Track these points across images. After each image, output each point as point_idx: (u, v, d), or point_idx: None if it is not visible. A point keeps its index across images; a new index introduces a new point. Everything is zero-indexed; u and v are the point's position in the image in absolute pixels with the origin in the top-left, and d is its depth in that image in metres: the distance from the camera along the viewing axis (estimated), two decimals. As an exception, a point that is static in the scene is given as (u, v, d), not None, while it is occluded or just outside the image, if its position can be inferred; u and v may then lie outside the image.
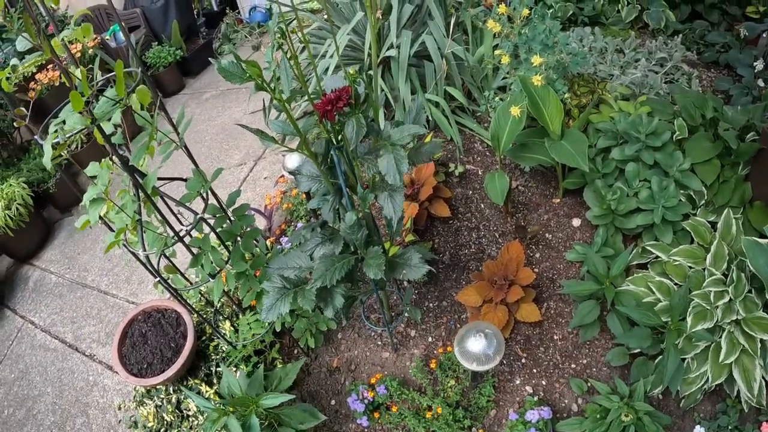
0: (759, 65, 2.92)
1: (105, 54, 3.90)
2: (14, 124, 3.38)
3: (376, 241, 1.75)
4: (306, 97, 1.42)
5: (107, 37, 4.04)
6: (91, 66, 1.72)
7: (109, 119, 1.35)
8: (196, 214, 1.66)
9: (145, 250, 1.53)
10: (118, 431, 2.33)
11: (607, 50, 3.06)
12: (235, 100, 4.18)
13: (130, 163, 1.44)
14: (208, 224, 1.69)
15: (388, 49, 2.64)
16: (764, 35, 3.09)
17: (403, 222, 2.34)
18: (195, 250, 1.72)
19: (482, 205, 2.60)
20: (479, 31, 2.98)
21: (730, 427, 1.88)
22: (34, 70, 3.54)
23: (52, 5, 1.35)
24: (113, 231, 1.55)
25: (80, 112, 1.27)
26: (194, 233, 1.65)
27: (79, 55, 3.46)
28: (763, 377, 1.81)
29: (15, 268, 3.30)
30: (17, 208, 3.07)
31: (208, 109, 4.20)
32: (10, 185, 3.11)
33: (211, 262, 1.69)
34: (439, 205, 2.43)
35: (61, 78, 3.48)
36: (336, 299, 1.60)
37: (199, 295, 2.32)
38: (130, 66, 3.99)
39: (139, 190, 1.47)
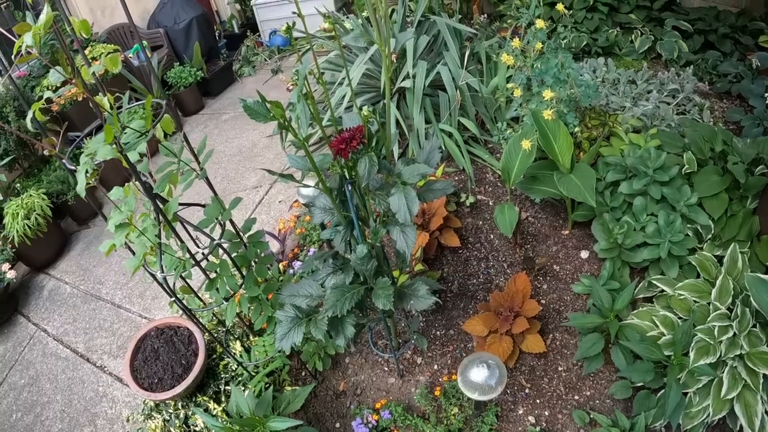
0: None
1: (127, 72, 4.05)
2: (37, 137, 3.52)
3: (386, 271, 1.82)
4: (320, 131, 1.51)
5: (130, 55, 4.19)
6: (119, 94, 1.83)
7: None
8: (212, 239, 1.74)
9: (163, 272, 1.62)
10: (125, 443, 2.41)
11: (620, 81, 3.13)
12: (253, 123, 4.29)
13: (154, 191, 1.53)
14: (224, 250, 1.77)
15: (403, 79, 2.73)
16: None
17: (413, 251, 2.42)
18: (211, 274, 1.80)
19: (492, 236, 2.66)
20: (493, 61, 3.06)
21: None
22: (59, 85, 3.68)
23: (83, 34, 1.45)
24: (133, 253, 1.64)
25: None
26: (210, 257, 1.73)
27: (102, 71, 3.60)
28: (765, 412, 1.81)
29: (30, 276, 3.41)
30: (36, 219, 3.18)
31: (226, 131, 4.32)
32: (31, 196, 3.23)
33: (226, 286, 1.77)
34: (449, 235, 2.49)
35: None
36: (347, 329, 1.67)
37: (212, 315, 2.39)
38: (152, 85, 4.14)
39: (160, 215, 1.56)
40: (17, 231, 3.09)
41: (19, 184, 3.43)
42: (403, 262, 1.87)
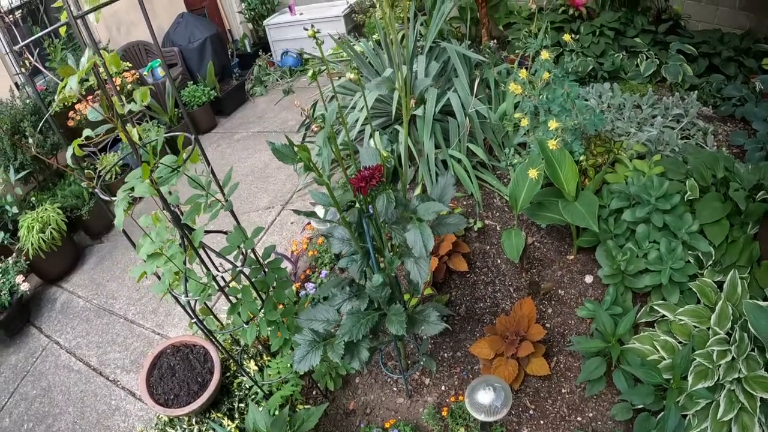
0: None
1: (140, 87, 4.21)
2: (53, 153, 3.67)
3: (398, 297, 1.95)
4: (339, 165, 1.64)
5: (145, 72, 4.34)
6: (148, 125, 1.97)
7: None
8: (235, 266, 1.88)
9: (187, 296, 1.75)
10: (138, 457, 2.53)
11: (625, 106, 3.26)
12: (265, 144, 4.41)
13: (182, 222, 1.67)
14: (246, 276, 1.91)
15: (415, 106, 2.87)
16: None
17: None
18: (232, 299, 1.94)
19: (498, 260, 2.79)
20: (501, 89, 3.21)
21: None
22: (75, 101, 3.84)
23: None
24: (158, 277, 1.78)
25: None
26: (231, 283, 1.87)
27: (118, 88, 3.76)
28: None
29: (43, 289, 3.55)
30: (51, 232, 3.32)
31: (238, 150, 4.47)
32: (46, 210, 3.37)
33: (248, 311, 1.90)
34: (458, 259, 2.62)
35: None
36: (362, 353, 1.81)
37: (228, 334, 2.52)
38: (167, 103, 4.29)
39: (187, 242, 1.70)
40: (32, 244, 3.22)
41: (34, 198, 3.57)
42: (415, 290, 2.01)
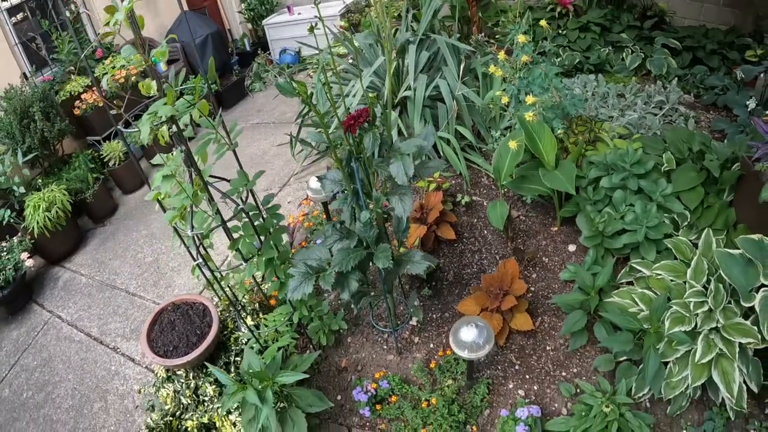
0: (751, 104, 3.40)
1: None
2: (59, 139, 4.01)
3: (385, 241, 2.24)
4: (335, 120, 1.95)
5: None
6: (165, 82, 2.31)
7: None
8: (237, 204, 2.18)
9: (193, 229, 2.03)
10: (134, 416, 2.74)
11: (609, 95, 3.60)
12: (264, 133, 4.82)
13: (194, 154, 1.98)
14: (247, 215, 2.19)
15: (405, 90, 3.21)
16: (761, 76, 3.59)
17: (412, 241, 2.83)
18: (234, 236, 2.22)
19: (485, 231, 3.08)
20: (490, 77, 3.56)
21: None
22: (81, 90, 4.21)
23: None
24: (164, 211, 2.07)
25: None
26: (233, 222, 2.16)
27: (123, 81, 4.12)
28: (744, 382, 2.10)
29: (45, 269, 3.82)
30: (56, 212, 3.62)
31: (238, 140, 4.81)
32: (52, 190, 3.68)
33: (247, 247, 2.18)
34: (446, 228, 2.91)
35: (108, 98, 4.16)
36: (351, 284, 2.08)
37: (228, 289, 2.78)
38: (182, 92, 4.67)
39: (194, 178, 2.00)
40: (37, 222, 3.51)
41: (40, 181, 3.89)
42: (402, 233, 2.29)
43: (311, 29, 1.88)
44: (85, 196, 3.93)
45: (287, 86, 1.78)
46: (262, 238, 2.25)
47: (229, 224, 2.17)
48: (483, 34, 3.86)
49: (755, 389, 2.11)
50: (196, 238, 2.07)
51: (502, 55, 2.82)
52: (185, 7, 5.68)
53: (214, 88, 5.02)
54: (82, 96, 4.17)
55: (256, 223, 2.26)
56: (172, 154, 2.05)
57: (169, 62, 5.12)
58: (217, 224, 2.11)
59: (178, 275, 3.42)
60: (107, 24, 1.65)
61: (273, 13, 6.44)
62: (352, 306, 2.25)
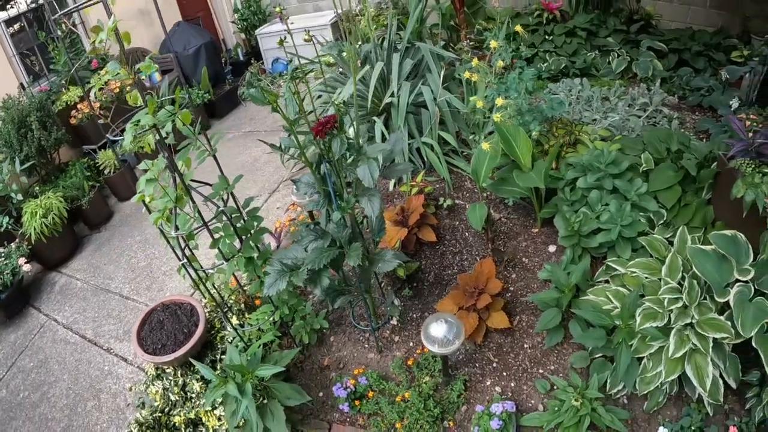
0: (734, 103, 3.55)
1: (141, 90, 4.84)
2: (56, 147, 4.26)
3: (360, 240, 2.43)
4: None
5: (143, 77, 4.99)
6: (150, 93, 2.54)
7: (164, 127, 2.11)
8: (218, 206, 2.38)
9: (177, 230, 2.23)
10: (126, 413, 2.93)
11: (593, 98, 3.77)
12: (254, 141, 5.06)
13: (176, 159, 2.18)
14: (228, 217, 2.39)
15: (390, 97, 3.41)
16: (746, 76, 3.74)
17: (392, 243, 3.02)
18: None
19: (467, 234, 3.25)
20: (474, 83, 3.74)
21: (693, 428, 2.23)
22: (77, 100, 4.47)
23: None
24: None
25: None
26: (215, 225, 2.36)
27: (117, 90, 4.37)
28: (721, 376, 2.20)
29: (42, 274, 4.05)
30: (53, 218, 3.85)
31: (230, 148, 5.08)
32: (48, 197, 3.92)
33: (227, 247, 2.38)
34: (427, 230, 3.09)
35: (100, 109, 4.41)
36: (323, 281, 2.27)
37: (213, 290, 2.97)
38: (163, 103, 4.92)
39: (177, 182, 2.20)
40: (35, 228, 3.75)
41: (37, 188, 4.14)
42: (377, 233, 2.48)
43: (281, 42, 2.08)
44: (81, 203, 4.17)
45: (258, 95, 1.99)
46: (244, 238, 2.45)
47: (214, 227, 2.37)
48: (469, 41, 4.05)
49: (733, 384, 2.20)
50: (181, 239, 2.28)
51: (475, 61, 2.98)
52: (179, 18, 5.98)
53: (207, 97, 5.29)
54: (78, 106, 4.42)
55: (237, 225, 2.46)
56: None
57: (164, 72, 5.39)
58: (199, 225, 2.31)
59: (170, 279, 3.63)
60: (93, 43, 1.87)
61: (266, 23, 6.75)
62: (329, 303, 2.43)
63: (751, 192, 2.31)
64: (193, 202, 2.26)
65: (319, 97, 3.92)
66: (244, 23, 6.64)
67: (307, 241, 2.34)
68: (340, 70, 4.19)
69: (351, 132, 3.30)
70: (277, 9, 2.10)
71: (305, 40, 2.04)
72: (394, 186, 3.55)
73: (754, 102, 3.67)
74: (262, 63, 6.54)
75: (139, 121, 1.97)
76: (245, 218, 2.50)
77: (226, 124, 5.67)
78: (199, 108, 5.29)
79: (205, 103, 5.33)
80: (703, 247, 2.39)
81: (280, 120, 5.35)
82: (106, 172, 4.46)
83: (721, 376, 2.23)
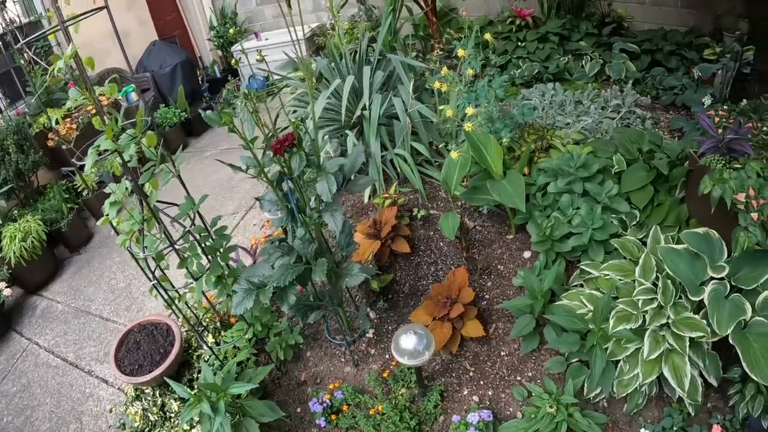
0: (707, 100, 3.60)
1: (116, 112, 4.87)
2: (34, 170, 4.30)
3: (327, 255, 2.46)
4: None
5: (119, 97, 5.03)
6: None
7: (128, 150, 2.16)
8: (184, 227, 2.42)
9: (144, 252, 2.28)
10: (108, 435, 2.97)
11: (566, 102, 3.81)
12: (232, 159, 4.96)
13: (139, 183, 2.22)
14: (194, 236, 2.43)
15: (362, 110, 3.45)
16: (719, 73, 3.79)
17: (365, 256, 3.05)
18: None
19: (441, 243, 3.28)
20: (445, 93, 3.79)
21: (675, 428, 2.26)
22: (55, 123, 4.51)
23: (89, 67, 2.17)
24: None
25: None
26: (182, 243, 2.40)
27: (93, 111, 4.41)
28: (701, 375, 2.21)
29: (24, 299, 4.07)
30: (32, 242, 3.88)
31: (207, 166, 5.14)
32: (27, 221, 3.95)
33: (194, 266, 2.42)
34: (400, 242, 3.11)
35: (77, 131, 4.45)
36: (289, 297, 2.30)
37: (187, 309, 3.00)
38: (125, 127, 4.97)
39: (144, 202, 2.24)
40: (14, 252, 3.78)
41: (16, 212, 4.17)
42: (346, 248, 2.52)
43: (234, 63, 2.13)
44: (60, 225, 4.20)
45: (214, 117, 2.03)
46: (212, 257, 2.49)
47: (182, 247, 2.41)
48: (441, 51, 4.11)
49: (714, 383, 2.23)
50: (152, 259, 2.32)
51: (444, 70, 3.03)
52: (156, 37, 6.05)
53: (184, 115, 5.34)
54: (55, 128, 4.46)
55: (206, 244, 2.50)
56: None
57: (142, 91, 5.44)
58: (165, 246, 2.35)
59: (149, 299, 3.65)
60: (51, 72, 1.91)
61: (242, 39, 6.79)
62: (300, 320, 2.46)
63: (718, 188, 2.33)
64: (160, 222, 2.30)
65: (294, 111, 3.96)
66: (220, 40, 6.72)
67: (275, 258, 2.37)
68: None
69: (326, 147, 3.37)
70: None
71: (258, 60, 2.08)
72: (369, 198, 3.58)
73: (727, 98, 3.72)
74: (239, 79, 6.59)
75: (99, 146, 2.01)
76: (214, 237, 2.54)
77: (204, 142, 5.74)
78: (177, 127, 5.35)
79: (183, 122, 5.38)
80: (675, 246, 2.42)
81: (257, 136, 5.42)
82: (84, 193, 4.50)
83: (701, 374, 2.24)
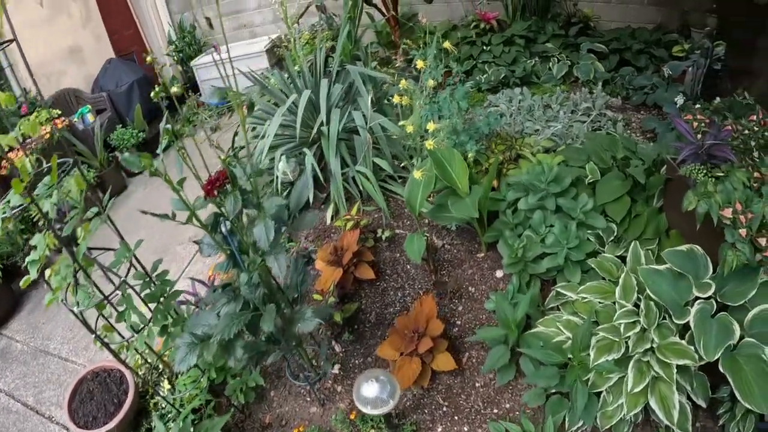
0: (680, 100, 3.36)
1: (72, 136, 4.53)
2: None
3: (279, 299, 2.19)
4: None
5: (75, 119, 4.71)
6: (38, 156, 2.30)
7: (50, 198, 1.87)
8: (119, 276, 2.15)
9: (78, 306, 2.00)
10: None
11: (535, 107, 3.55)
12: (190, 184, 4.74)
13: (63, 234, 1.94)
14: (131, 287, 2.16)
15: (320, 126, 3.16)
16: (689, 70, 3.55)
17: (327, 285, 2.78)
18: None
19: (408, 266, 3.02)
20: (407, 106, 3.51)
21: None
22: (7, 150, 4.16)
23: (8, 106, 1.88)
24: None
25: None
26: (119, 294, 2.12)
27: (48, 136, 4.07)
28: (689, 397, 2.02)
29: (-18, 339, 3.78)
30: (-14, 279, 3.58)
31: (165, 190, 4.77)
32: (-22, 258, 3.65)
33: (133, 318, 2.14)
34: (364, 268, 2.84)
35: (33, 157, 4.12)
36: (236, 351, 2.02)
37: (138, 356, 2.73)
38: (96, 147, 4.64)
39: (71, 256, 1.96)
40: (-33, 292, 3.48)
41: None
42: (299, 286, 2.25)
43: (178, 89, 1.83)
44: (16, 259, 3.89)
45: (132, 160, 1.74)
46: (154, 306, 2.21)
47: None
48: (404, 59, 3.84)
49: (703, 404, 2.04)
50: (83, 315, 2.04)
51: (404, 83, 2.75)
52: (112, 54, 5.68)
53: (141, 136, 5.00)
54: (8, 155, 4.12)
55: (146, 293, 2.22)
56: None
57: (98, 112, 5.09)
58: (101, 300, 2.07)
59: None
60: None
61: (201, 53, 6.49)
62: (251, 368, 2.20)
63: (703, 203, 2.09)
64: (88, 275, 2.02)
65: (254, 129, 3.66)
66: (179, 55, 6.35)
67: (221, 304, 2.10)
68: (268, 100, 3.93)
69: (281, 165, 3.07)
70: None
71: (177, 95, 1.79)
72: (332, 218, 3.30)
73: (699, 96, 3.50)
74: (200, 95, 6.23)
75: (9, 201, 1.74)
76: (155, 283, 2.26)
77: (164, 163, 5.36)
78: (134, 148, 5.00)
79: (141, 143, 5.01)
80: (657, 267, 2.20)
81: (214, 156, 5.13)
82: (40, 224, 4.17)
83: (689, 397, 2.04)
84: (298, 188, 2.06)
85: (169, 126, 1.81)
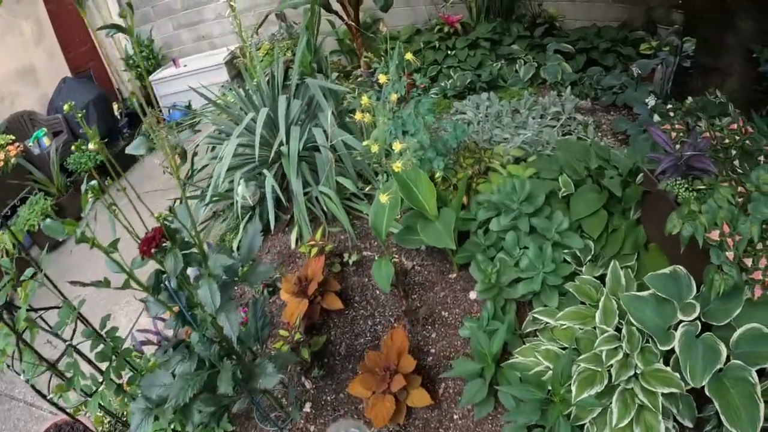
0: (651, 101, 3.19)
1: (27, 161, 4.22)
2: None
3: (239, 352, 1.98)
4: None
5: (30, 144, 4.38)
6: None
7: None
8: (64, 341, 1.93)
9: (25, 375, 1.80)
10: None
11: (503, 113, 3.35)
12: (154, 204, 4.45)
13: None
14: (77, 350, 1.94)
15: (279, 145, 2.92)
16: (658, 68, 3.38)
17: (293, 319, 2.57)
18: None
19: (377, 292, 2.82)
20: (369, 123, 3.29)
21: None
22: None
23: None
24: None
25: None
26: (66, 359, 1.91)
27: (1, 163, 3.77)
28: (675, 422, 1.88)
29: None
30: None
31: (130, 212, 4.48)
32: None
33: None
34: (331, 298, 2.65)
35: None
36: (194, 416, 1.82)
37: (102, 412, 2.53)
38: (52, 171, 4.33)
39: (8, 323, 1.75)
40: None
41: None
42: (258, 333, 2.04)
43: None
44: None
45: (54, 226, 1.51)
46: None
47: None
48: (368, 67, 3.61)
49: (690, 425, 1.90)
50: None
51: (365, 99, 2.52)
52: (68, 72, 5.30)
53: (99, 158, 4.68)
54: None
55: (97, 351, 2.00)
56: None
57: (55, 134, 4.75)
58: (44, 370, 1.87)
59: (73, 378, 3.15)
60: None
61: (159, 67, 6.16)
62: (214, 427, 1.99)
63: (688, 226, 1.92)
64: (27, 344, 1.81)
65: (213, 149, 3.40)
66: (137, 70, 5.99)
67: (175, 362, 1.89)
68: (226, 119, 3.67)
69: (240, 189, 2.84)
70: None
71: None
72: (296, 242, 3.08)
73: (669, 95, 3.33)
74: (159, 111, 5.90)
75: None
76: (105, 339, 2.04)
77: (123, 183, 5.04)
78: (92, 171, 4.70)
79: (99, 164, 4.68)
80: (639, 294, 2.03)
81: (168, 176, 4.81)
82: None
83: (675, 419, 1.90)
84: (249, 235, 1.84)
85: (94, 182, 1.57)
